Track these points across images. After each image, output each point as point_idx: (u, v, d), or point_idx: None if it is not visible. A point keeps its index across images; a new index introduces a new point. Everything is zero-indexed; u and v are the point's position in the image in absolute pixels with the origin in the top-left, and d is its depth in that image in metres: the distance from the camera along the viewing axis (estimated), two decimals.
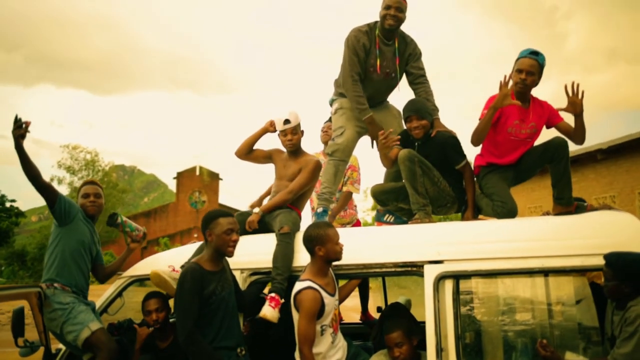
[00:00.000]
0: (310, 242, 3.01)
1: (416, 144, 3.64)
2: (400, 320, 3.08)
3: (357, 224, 5.24)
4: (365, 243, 3.28)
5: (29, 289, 3.08)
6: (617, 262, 2.55)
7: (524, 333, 2.75)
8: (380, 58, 3.89)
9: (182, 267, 3.19)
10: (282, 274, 3.15)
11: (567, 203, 3.36)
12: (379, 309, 5.18)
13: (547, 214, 4.35)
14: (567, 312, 2.74)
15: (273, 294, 3.10)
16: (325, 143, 4.92)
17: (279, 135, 3.74)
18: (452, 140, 3.57)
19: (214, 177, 34.06)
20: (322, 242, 2.97)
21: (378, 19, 3.93)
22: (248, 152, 3.82)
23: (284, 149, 3.81)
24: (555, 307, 2.75)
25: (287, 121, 3.66)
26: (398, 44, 3.93)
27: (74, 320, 3.23)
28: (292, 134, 3.67)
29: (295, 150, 3.72)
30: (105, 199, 3.78)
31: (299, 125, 3.71)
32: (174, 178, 34.87)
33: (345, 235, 3.29)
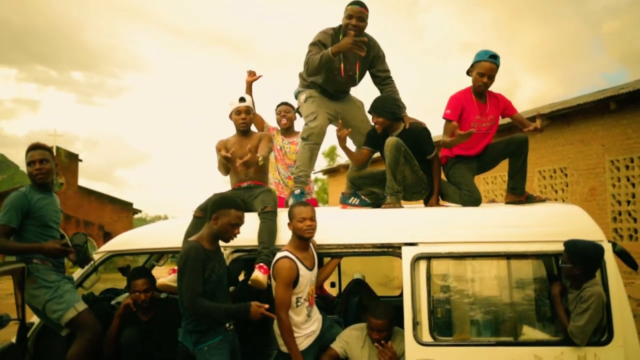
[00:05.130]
0: (288, 218, 3.27)
1: (394, 135, 3.88)
2: (389, 310, 3.29)
3: (313, 202, 5.44)
4: (346, 225, 3.49)
5: (13, 265, 3.01)
6: (572, 247, 2.96)
7: (489, 309, 3.10)
8: (344, 61, 4.07)
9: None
10: (268, 247, 3.33)
11: (520, 193, 3.74)
12: (332, 284, 5.47)
13: (493, 201, 4.80)
14: (527, 291, 3.12)
15: (261, 264, 3.26)
16: (285, 126, 5.07)
17: (231, 116, 3.93)
18: (425, 132, 3.83)
19: (73, 159, 30.63)
20: (290, 218, 3.25)
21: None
22: (228, 173, 3.94)
23: (227, 137, 3.99)
24: (517, 287, 3.12)
25: (242, 99, 3.88)
26: None
27: (59, 299, 3.20)
28: (246, 113, 3.89)
29: (246, 130, 3.94)
30: None
31: (252, 107, 3.97)
32: None
33: (327, 217, 3.50)
